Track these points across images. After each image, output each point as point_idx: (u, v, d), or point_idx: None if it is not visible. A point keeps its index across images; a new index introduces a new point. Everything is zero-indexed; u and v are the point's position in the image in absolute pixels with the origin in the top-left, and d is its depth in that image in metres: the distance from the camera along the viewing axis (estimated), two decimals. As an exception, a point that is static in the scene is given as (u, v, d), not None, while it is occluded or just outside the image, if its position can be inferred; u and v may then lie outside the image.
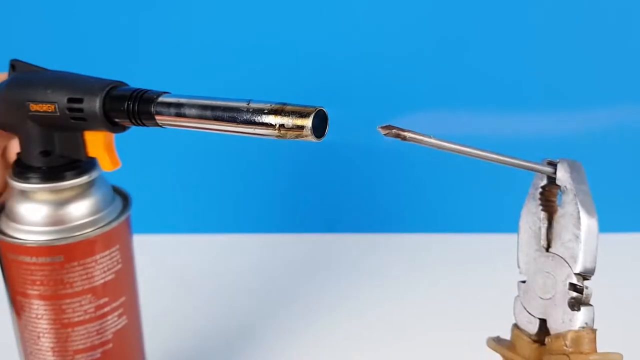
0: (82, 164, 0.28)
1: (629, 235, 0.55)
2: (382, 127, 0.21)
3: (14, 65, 0.28)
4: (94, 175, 0.28)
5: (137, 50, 0.51)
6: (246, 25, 0.50)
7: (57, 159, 0.27)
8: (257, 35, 0.50)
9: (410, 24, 0.50)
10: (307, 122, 0.20)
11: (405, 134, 0.20)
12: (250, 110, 0.21)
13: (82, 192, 0.28)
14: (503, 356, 0.27)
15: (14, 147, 0.30)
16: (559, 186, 0.24)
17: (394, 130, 0.20)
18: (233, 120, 0.21)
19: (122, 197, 0.31)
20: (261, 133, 0.21)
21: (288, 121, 0.20)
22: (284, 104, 0.21)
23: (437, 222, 0.56)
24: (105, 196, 0.29)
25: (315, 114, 0.20)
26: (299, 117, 0.20)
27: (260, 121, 0.21)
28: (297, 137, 0.20)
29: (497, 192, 0.54)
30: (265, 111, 0.21)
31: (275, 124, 0.20)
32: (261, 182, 0.56)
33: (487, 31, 0.50)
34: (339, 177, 0.55)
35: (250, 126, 0.21)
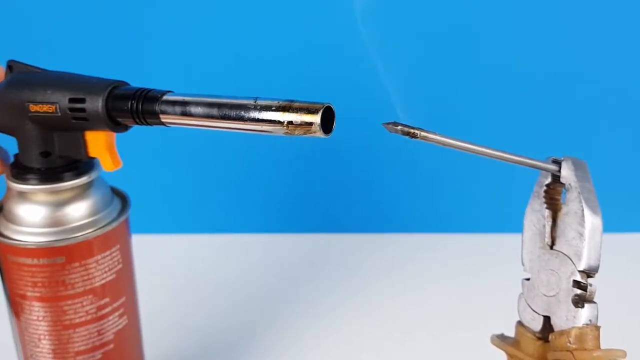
0: (81, 165, 0.28)
1: (634, 235, 0.54)
2: (387, 124, 0.20)
3: (10, 66, 0.28)
4: (93, 175, 0.28)
5: (135, 51, 0.51)
6: (248, 26, 0.50)
7: (56, 160, 0.27)
8: (259, 34, 0.50)
9: (410, 23, 0.50)
10: (316, 119, 0.20)
11: (415, 131, 0.20)
12: (258, 107, 0.21)
13: (82, 192, 0.28)
14: (507, 353, 0.27)
15: None
16: (563, 184, 0.24)
17: (399, 127, 0.20)
18: (240, 118, 0.21)
19: (120, 198, 0.31)
20: (268, 130, 0.21)
21: (296, 118, 0.20)
22: (292, 100, 0.21)
23: (437, 222, 0.56)
24: (104, 196, 0.29)
25: (323, 110, 0.20)
26: (307, 113, 0.20)
27: (268, 118, 0.21)
28: (305, 133, 0.20)
29: (498, 192, 0.54)
30: (273, 108, 0.21)
31: (284, 121, 0.20)
32: (261, 181, 0.55)
33: (488, 26, 0.50)
34: (339, 177, 0.55)
35: (257, 123, 0.21)
